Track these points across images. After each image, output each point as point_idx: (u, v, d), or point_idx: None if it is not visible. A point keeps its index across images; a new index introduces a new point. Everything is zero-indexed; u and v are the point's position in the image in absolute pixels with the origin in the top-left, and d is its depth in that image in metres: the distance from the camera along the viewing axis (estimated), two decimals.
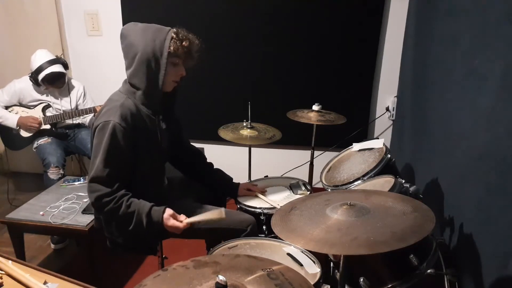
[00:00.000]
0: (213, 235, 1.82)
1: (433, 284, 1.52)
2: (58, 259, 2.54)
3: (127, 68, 1.61)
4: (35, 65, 2.63)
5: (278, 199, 1.97)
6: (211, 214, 1.57)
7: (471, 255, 1.52)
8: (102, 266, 2.25)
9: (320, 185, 2.11)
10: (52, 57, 2.67)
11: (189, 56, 1.64)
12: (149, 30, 1.57)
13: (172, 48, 1.56)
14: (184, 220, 1.59)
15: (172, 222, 1.58)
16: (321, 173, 2.12)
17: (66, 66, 2.72)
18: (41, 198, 2.31)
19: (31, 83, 2.72)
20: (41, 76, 2.62)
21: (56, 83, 2.72)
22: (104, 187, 1.54)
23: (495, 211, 1.38)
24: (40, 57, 2.64)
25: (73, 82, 2.88)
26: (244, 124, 2.38)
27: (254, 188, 2.02)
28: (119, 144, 1.55)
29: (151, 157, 1.68)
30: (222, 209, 1.57)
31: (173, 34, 1.58)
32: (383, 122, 3.10)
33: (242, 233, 1.74)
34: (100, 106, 2.71)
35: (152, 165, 1.70)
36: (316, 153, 2.70)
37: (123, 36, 1.60)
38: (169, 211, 1.59)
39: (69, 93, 2.81)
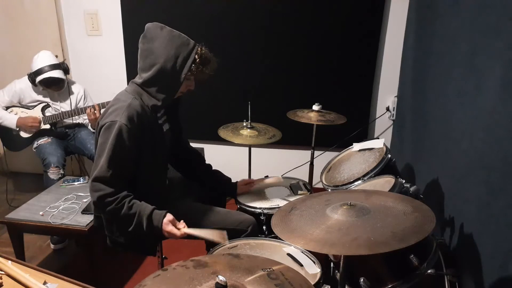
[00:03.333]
0: None
1: (434, 284, 1.52)
2: (57, 259, 2.53)
3: (142, 70, 1.61)
4: (35, 66, 2.62)
5: (278, 199, 1.97)
6: (212, 235, 1.53)
7: (471, 255, 1.52)
8: (101, 266, 2.25)
9: (320, 185, 2.11)
10: (55, 61, 2.64)
11: (205, 77, 1.69)
12: (174, 43, 1.56)
13: (193, 69, 1.61)
14: (182, 229, 1.58)
15: (170, 228, 1.57)
16: (321, 173, 2.12)
17: (67, 71, 2.71)
18: (41, 198, 2.31)
19: (30, 83, 2.72)
20: (39, 78, 2.61)
21: (53, 87, 2.71)
22: (107, 187, 1.54)
23: (495, 211, 1.38)
24: (42, 59, 2.62)
25: (74, 85, 2.87)
26: (244, 124, 2.37)
27: (252, 180, 2.05)
28: (125, 145, 1.55)
29: (154, 157, 1.68)
30: (225, 232, 1.53)
31: (196, 56, 1.60)
32: (383, 122, 3.10)
33: (242, 234, 1.74)
34: (99, 104, 2.71)
35: (155, 165, 1.70)
36: (316, 153, 2.69)
37: (146, 38, 1.58)
38: (169, 217, 1.59)
39: (69, 96, 2.80)
